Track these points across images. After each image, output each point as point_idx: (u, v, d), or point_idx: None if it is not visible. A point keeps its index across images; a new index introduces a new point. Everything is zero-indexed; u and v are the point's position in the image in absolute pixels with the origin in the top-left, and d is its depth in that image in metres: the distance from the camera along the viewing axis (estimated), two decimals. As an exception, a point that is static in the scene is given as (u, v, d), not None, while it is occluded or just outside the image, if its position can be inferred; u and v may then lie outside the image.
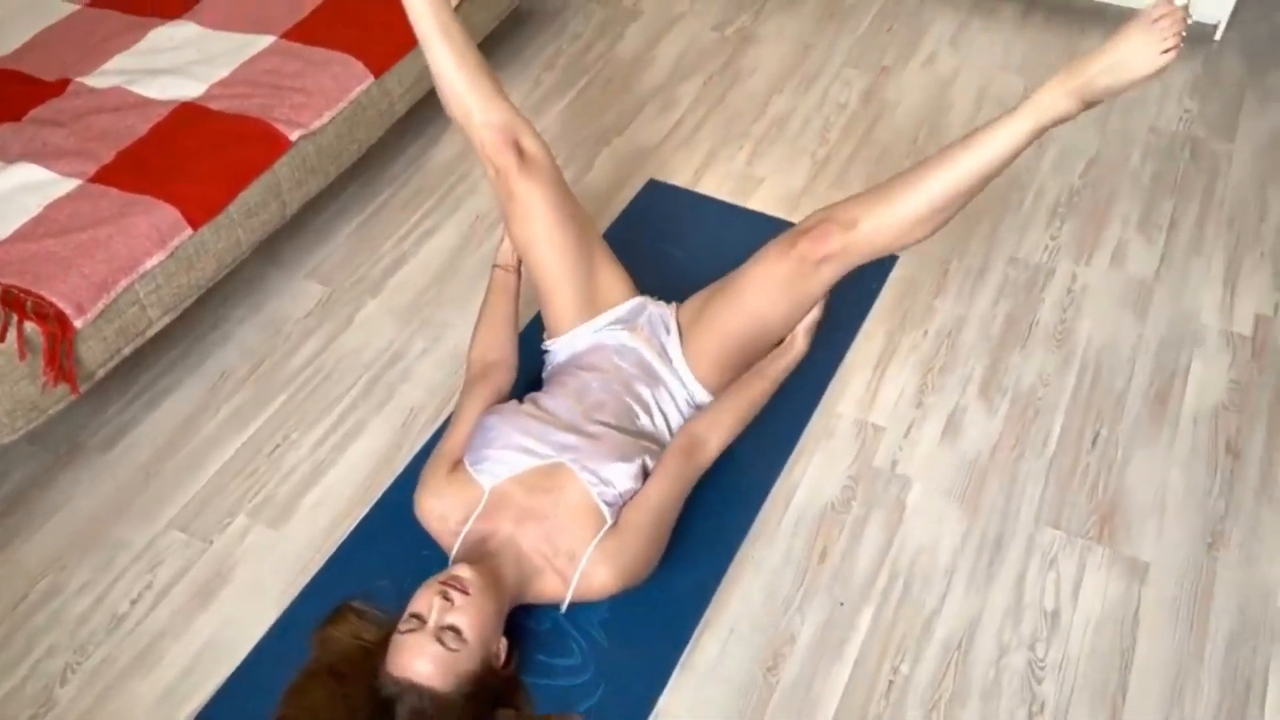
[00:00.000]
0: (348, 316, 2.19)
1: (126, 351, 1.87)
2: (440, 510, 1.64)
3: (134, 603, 1.73)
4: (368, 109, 2.23)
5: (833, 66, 2.82)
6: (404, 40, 2.25)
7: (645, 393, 1.75)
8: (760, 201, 2.42)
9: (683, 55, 2.88)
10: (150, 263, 1.84)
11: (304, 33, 2.26)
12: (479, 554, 1.57)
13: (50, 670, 1.65)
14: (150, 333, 1.90)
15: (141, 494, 1.88)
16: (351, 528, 1.81)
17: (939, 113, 2.66)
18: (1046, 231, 2.33)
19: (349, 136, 2.20)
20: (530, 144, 1.73)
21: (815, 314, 1.77)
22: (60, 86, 2.14)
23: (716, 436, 1.72)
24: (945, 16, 2.99)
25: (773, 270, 1.68)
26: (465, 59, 1.69)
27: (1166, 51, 1.45)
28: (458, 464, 1.68)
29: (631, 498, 1.63)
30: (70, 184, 1.90)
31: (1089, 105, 1.53)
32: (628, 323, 1.83)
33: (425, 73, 2.33)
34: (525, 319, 2.10)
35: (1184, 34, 1.45)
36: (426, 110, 2.55)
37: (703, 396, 1.79)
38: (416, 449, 1.93)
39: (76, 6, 2.38)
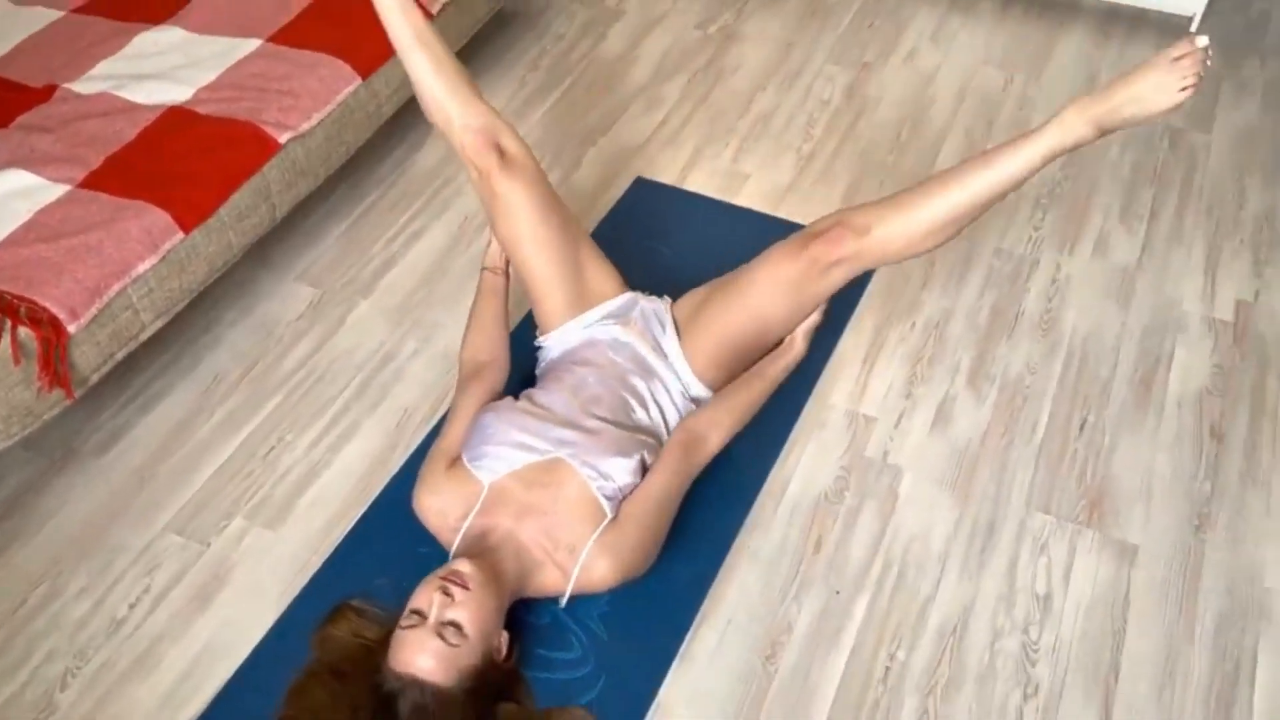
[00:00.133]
0: (339, 318, 2.20)
1: (120, 356, 1.87)
2: (439, 507, 1.65)
3: (132, 606, 1.74)
4: (355, 111, 2.24)
5: (815, 63, 2.85)
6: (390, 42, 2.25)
7: (640, 386, 1.77)
8: (747, 198, 2.44)
9: (666, 54, 2.90)
10: (142, 267, 1.84)
11: (290, 36, 2.26)
12: (479, 549, 1.58)
13: (50, 675, 1.65)
14: (143, 337, 1.91)
15: (137, 498, 1.88)
16: (348, 528, 1.82)
17: (921, 108, 2.69)
18: (1030, 223, 2.36)
19: (337, 139, 2.21)
20: (511, 144, 1.75)
21: (815, 317, 1.81)
22: (47, 93, 2.14)
23: (716, 434, 1.74)
24: (925, 12, 3.02)
25: (780, 271, 1.70)
26: (443, 66, 1.73)
27: (1185, 89, 1.49)
28: (456, 461, 1.69)
29: (631, 492, 1.64)
30: (60, 189, 1.90)
31: (1105, 133, 1.57)
32: (620, 317, 1.84)
33: (412, 74, 2.33)
34: (516, 318, 2.11)
35: (1202, 75, 1.49)
36: (412, 113, 2.55)
37: (698, 390, 1.81)
38: (412, 449, 1.93)
39: (61, 13, 2.38)
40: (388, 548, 1.77)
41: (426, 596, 1.46)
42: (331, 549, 1.79)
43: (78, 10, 2.39)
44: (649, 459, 1.69)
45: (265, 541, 1.82)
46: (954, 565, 1.76)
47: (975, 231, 2.33)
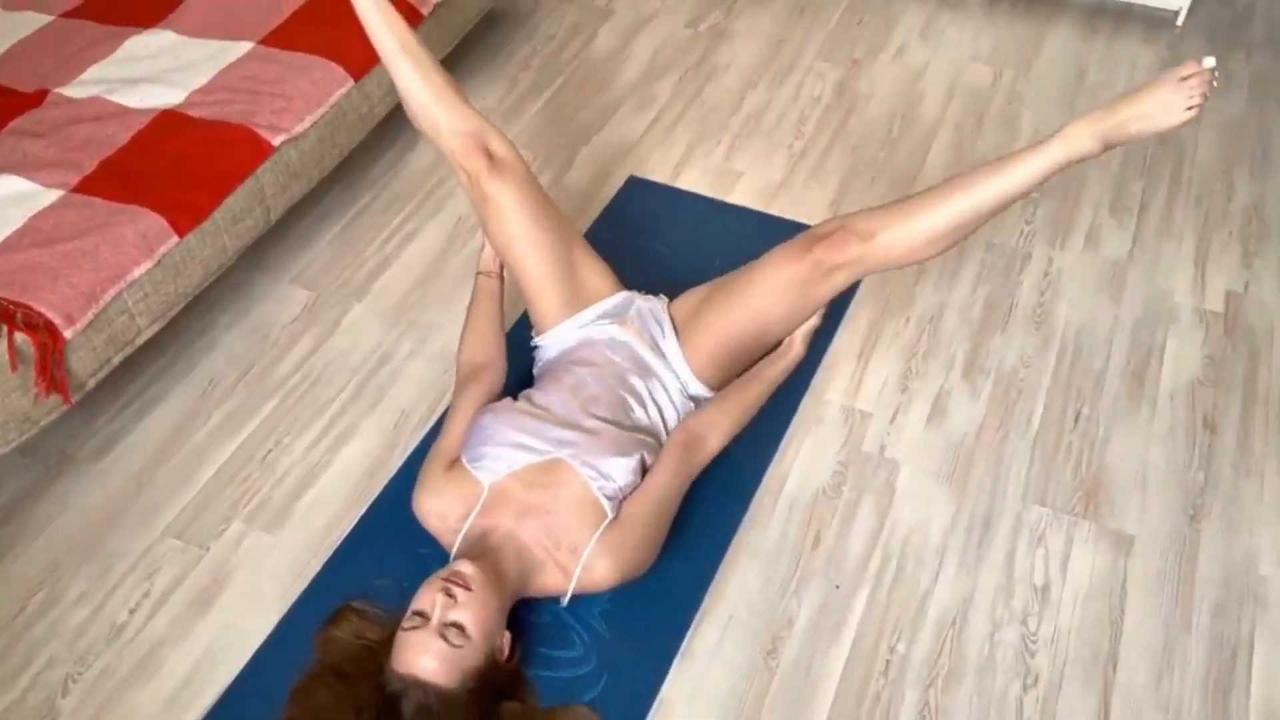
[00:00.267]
0: (334, 320, 2.20)
1: (116, 361, 1.86)
2: (439, 508, 1.65)
3: (132, 612, 1.73)
4: (348, 112, 2.24)
5: (805, 60, 2.86)
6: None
7: (639, 385, 1.77)
8: (740, 195, 2.45)
9: (657, 53, 2.90)
10: (138, 271, 1.84)
11: (282, 38, 2.26)
12: (480, 550, 1.58)
13: (51, 681, 1.65)
14: (139, 341, 1.90)
15: (135, 503, 1.88)
16: (348, 530, 1.82)
17: (911, 104, 2.70)
18: (1021, 217, 2.37)
19: (331, 140, 2.20)
20: (499, 147, 1.76)
21: (815, 320, 1.82)
22: (39, 97, 2.13)
23: (715, 435, 1.75)
24: (914, 9, 3.04)
25: (782, 273, 1.71)
26: (429, 73, 1.74)
27: (1191, 108, 1.52)
28: (455, 462, 1.69)
29: (631, 492, 1.65)
30: (53, 194, 1.89)
31: (1110, 148, 1.58)
32: (616, 316, 1.85)
33: (404, 76, 2.33)
34: (512, 318, 2.11)
35: (1208, 94, 1.51)
36: (404, 114, 2.55)
37: (696, 388, 1.81)
38: (410, 449, 1.94)
39: (51, 17, 2.37)
40: (388, 549, 1.77)
41: (429, 598, 1.46)
42: (331, 551, 1.79)
43: (67, 14, 2.38)
44: (649, 459, 1.70)
45: (264, 544, 1.82)
46: (952, 558, 1.77)
47: (967, 226, 2.34)
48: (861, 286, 2.21)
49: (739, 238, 2.30)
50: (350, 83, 2.21)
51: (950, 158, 2.54)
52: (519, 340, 1.97)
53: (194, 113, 2.08)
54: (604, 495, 1.61)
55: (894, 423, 1.97)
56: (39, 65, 2.22)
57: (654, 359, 1.81)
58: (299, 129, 2.10)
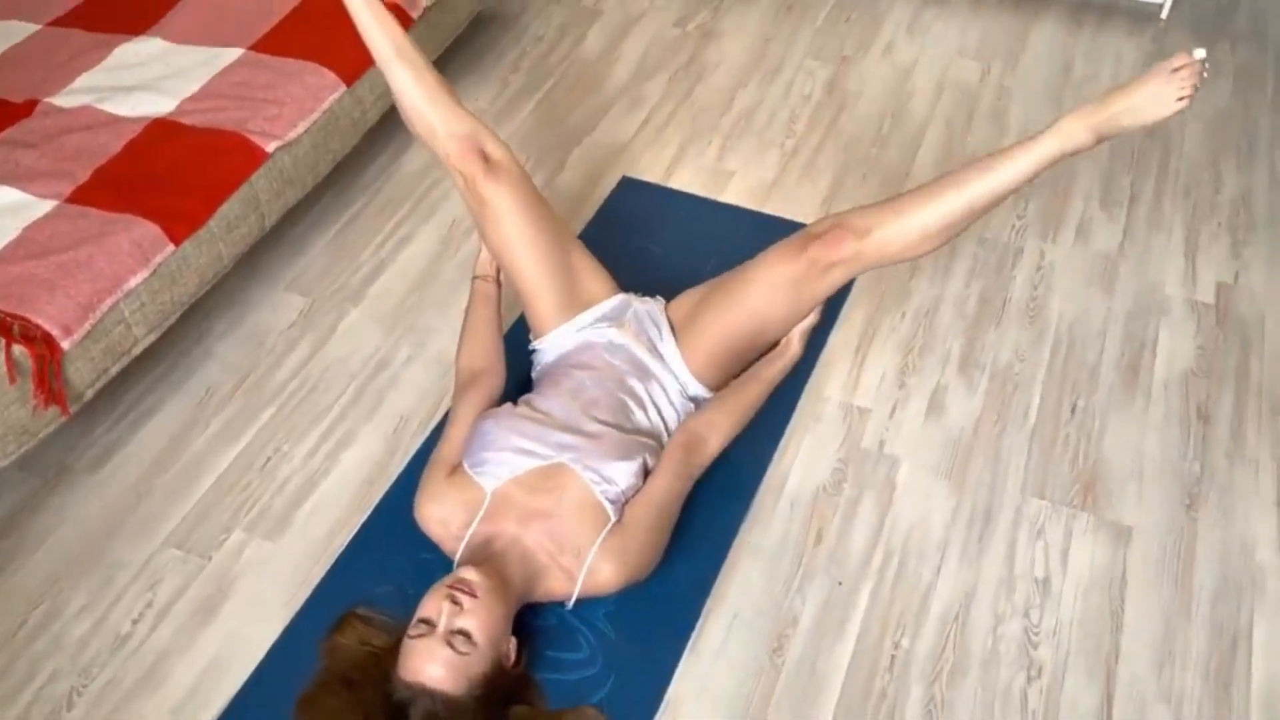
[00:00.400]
0: (330, 326, 2.19)
1: (114, 371, 1.86)
2: (441, 515, 1.65)
3: (135, 622, 1.73)
4: (341, 118, 2.23)
5: (795, 58, 2.87)
6: (373, 49, 2.25)
7: (638, 388, 1.78)
8: (733, 194, 2.46)
9: (646, 53, 2.90)
10: (134, 280, 1.83)
11: (273, 44, 2.25)
12: (484, 556, 1.58)
13: (55, 695, 1.64)
14: (136, 351, 1.89)
15: (134, 513, 1.87)
16: (350, 536, 1.81)
17: (901, 101, 2.71)
18: (1013, 211, 2.39)
19: (324, 146, 2.20)
20: (495, 150, 1.76)
21: (811, 319, 1.83)
22: (28, 107, 2.12)
23: (715, 437, 1.76)
24: (901, 5, 3.05)
25: (779, 271, 1.72)
26: (423, 77, 1.74)
27: (1181, 99, 1.53)
28: (456, 468, 1.69)
29: (633, 495, 1.65)
30: (47, 205, 1.88)
31: (1102, 140, 1.60)
32: (614, 319, 1.85)
33: (395, 80, 2.33)
34: (509, 321, 2.11)
35: (1199, 86, 1.53)
36: (396, 118, 2.54)
37: (696, 389, 1.82)
38: (410, 454, 1.93)
39: (38, 26, 2.35)
40: (390, 555, 1.77)
41: (435, 605, 1.46)
42: (334, 558, 1.78)
43: (54, 23, 2.36)
44: (650, 461, 1.70)
45: (266, 553, 1.81)
46: (953, 552, 1.78)
47: (960, 222, 2.36)
48: (856, 283, 2.22)
49: (733, 237, 2.31)
50: (342, 88, 2.21)
51: (941, 154, 2.55)
52: (516, 344, 1.97)
53: (186, 120, 2.07)
54: (607, 499, 1.62)
55: (892, 418, 1.98)
56: (28, 75, 2.21)
57: (653, 361, 1.81)
58: (292, 135, 2.10)
